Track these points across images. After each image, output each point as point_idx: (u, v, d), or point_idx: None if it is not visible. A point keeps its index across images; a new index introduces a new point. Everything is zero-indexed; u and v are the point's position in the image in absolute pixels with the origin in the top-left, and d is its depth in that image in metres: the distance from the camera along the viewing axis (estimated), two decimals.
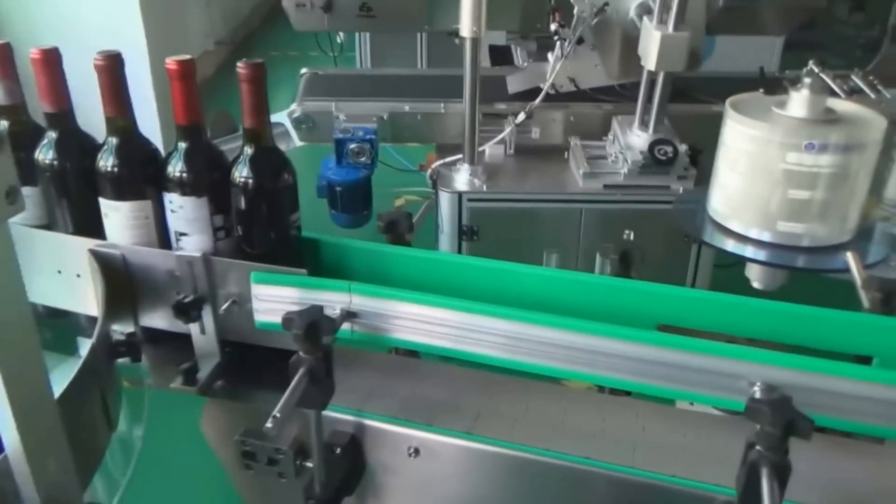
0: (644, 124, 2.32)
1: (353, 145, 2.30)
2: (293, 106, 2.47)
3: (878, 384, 0.82)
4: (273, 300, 0.96)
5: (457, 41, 2.20)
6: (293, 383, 0.82)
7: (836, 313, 0.94)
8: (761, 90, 1.39)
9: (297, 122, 2.44)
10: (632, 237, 1.11)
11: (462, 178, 2.34)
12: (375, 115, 2.45)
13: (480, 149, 2.37)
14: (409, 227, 1.09)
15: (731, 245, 1.35)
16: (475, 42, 2.16)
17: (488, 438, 0.92)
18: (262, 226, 1.01)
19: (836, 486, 0.89)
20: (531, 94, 2.46)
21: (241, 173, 0.98)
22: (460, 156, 2.35)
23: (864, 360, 0.95)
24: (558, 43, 2.39)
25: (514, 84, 2.62)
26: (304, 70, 2.80)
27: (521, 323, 0.89)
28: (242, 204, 0.99)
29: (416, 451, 0.94)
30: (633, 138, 2.32)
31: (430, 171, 2.41)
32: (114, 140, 0.99)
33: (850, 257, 1.06)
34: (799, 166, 1.26)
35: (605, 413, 0.97)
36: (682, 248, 2.36)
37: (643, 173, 2.26)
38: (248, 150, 0.99)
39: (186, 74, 0.97)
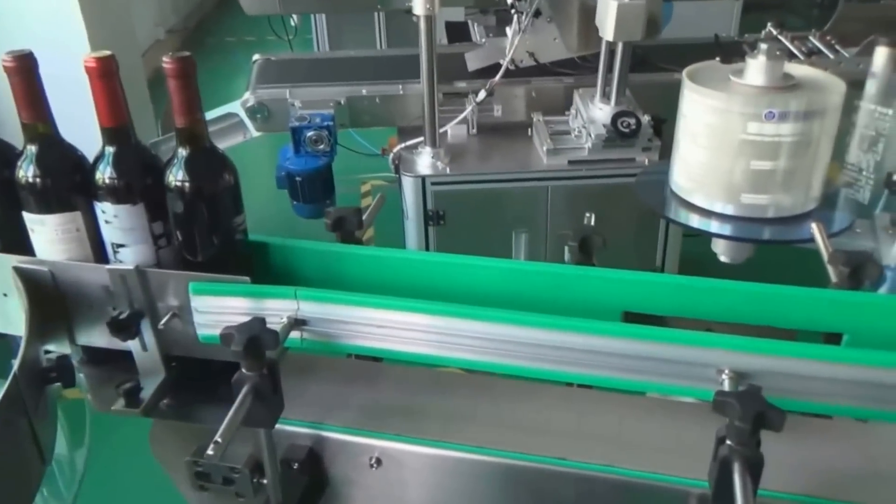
0: (606, 96, 2.28)
1: (310, 133, 2.23)
2: (246, 95, 2.39)
3: (849, 364, 0.79)
4: (215, 311, 0.90)
5: (414, 19, 2.14)
6: (237, 403, 0.77)
7: (805, 291, 0.91)
8: (718, 58, 1.35)
9: (251, 112, 2.37)
10: (592, 221, 1.07)
11: (425, 162, 2.29)
12: (332, 101, 2.39)
13: (442, 130, 2.32)
14: (358, 223, 1.03)
15: (695, 220, 1.32)
16: (430, 20, 2.10)
17: (453, 444, 0.88)
18: (203, 232, 0.95)
19: (815, 469, 0.86)
20: (491, 70, 2.41)
21: (176, 177, 0.92)
22: (422, 138, 2.29)
23: (834, 337, 0.92)
24: (516, 17, 2.34)
25: (474, 61, 2.56)
26: (256, 56, 2.71)
27: (481, 322, 0.85)
28: (179, 210, 0.93)
29: (379, 461, 0.90)
30: (595, 112, 2.28)
31: (391, 155, 2.35)
32: (33, 148, 0.92)
33: (815, 230, 1.03)
34: (760, 136, 1.23)
35: (580, 411, 0.93)
36: (652, 219, 2.33)
37: (607, 147, 2.23)
38: (183, 152, 0.93)
39: (107, 72, 0.90)
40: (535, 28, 2.39)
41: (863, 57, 2.32)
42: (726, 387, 0.79)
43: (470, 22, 2.83)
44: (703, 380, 0.82)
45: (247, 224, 0.98)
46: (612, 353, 0.83)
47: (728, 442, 0.72)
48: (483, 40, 2.62)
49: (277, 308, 0.89)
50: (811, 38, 2.46)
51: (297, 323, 0.88)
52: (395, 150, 2.34)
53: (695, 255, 2.22)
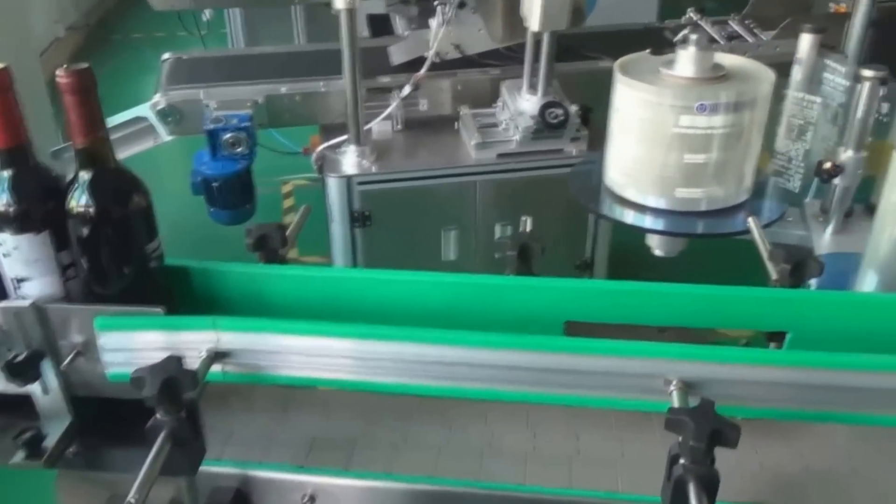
0: (533, 87, 2.25)
1: (227, 135, 2.13)
2: (156, 97, 2.26)
3: (797, 368, 0.77)
4: (126, 348, 0.82)
5: (334, 11, 2.05)
6: (153, 452, 0.70)
7: (746, 290, 0.89)
8: (648, 50, 1.33)
9: (162, 115, 2.23)
10: (528, 226, 1.03)
11: (350, 161, 2.22)
12: (250, 100, 2.28)
13: (366, 127, 2.25)
14: (282, 240, 0.96)
15: (629, 216, 1.30)
16: (351, 13, 2.03)
17: (392, 474, 0.83)
18: (111, 263, 0.86)
19: (765, 473, 0.85)
20: (416, 64, 2.35)
21: (79, 202, 0.83)
22: (346, 136, 2.22)
23: (778, 335, 0.90)
24: (439, 8, 2.28)
25: (397, 55, 2.49)
26: (166, 55, 2.57)
27: (415, 344, 0.79)
28: (84, 239, 0.84)
29: (312, 499, 0.84)
30: (523, 103, 2.25)
31: (314, 155, 2.26)
32: None
33: (752, 226, 1.01)
34: (692, 129, 1.21)
35: (527, 429, 0.89)
36: (582, 210, 2.31)
37: (536, 139, 2.20)
38: (85, 175, 0.83)
39: (1, 87, 0.80)
40: (459, 19, 2.34)
41: (780, 40, 2.36)
42: (675, 399, 0.76)
43: (392, 14, 2.75)
44: (651, 391, 0.79)
45: (162, 244, 0.90)
46: (554, 370, 0.79)
47: (682, 461, 0.69)
48: (406, 33, 2.55)
49: (195, 340, 0.81)
50: (731, 22, 2.49)
51: (218, 356, 0.81)
52: (317, 149, 2.26)
53: (626, 244, 2.22)
